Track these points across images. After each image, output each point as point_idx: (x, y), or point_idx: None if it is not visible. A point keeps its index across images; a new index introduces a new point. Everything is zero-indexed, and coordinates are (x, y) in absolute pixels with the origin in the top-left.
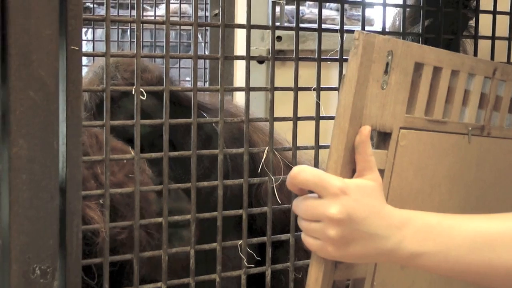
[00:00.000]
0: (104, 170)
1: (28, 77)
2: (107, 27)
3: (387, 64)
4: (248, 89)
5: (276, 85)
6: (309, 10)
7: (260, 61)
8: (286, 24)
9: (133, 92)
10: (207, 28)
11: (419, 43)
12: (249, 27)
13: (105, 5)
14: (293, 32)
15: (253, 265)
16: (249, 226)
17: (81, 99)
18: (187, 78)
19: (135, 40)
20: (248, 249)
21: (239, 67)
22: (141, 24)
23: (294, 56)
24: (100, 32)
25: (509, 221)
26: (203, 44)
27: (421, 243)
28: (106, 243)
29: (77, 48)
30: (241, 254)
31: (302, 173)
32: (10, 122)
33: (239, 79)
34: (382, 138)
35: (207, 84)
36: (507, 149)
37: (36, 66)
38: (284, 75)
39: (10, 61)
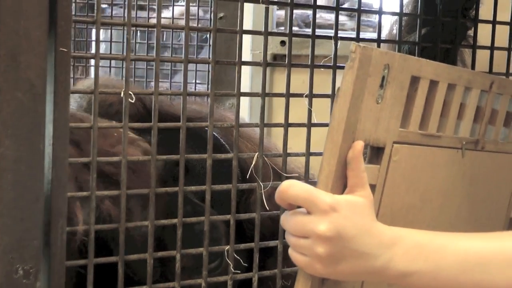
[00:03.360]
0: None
1: (16, 78)
2: (97, 30)
3: (383, 78)
4: (239, 94)
5: (278, 90)
6: (318, 15)
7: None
8: (295, 29)
9: (122, 95)
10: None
11: (415, 51)
12: (241, 32)
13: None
14: (299, 38)
15: (239, 272)
16: (241, 235)
17: (68, 100)
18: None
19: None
20: (236, 255)
21: (243, 71)
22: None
23: (286, 62)
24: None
25: (501, 241)
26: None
27: (411, 262)
28: (91, 245)
29: (66, 50)
30: (228, 260)
31: (292, 188)
32: None
33: (242, 84)
34: (375, 153)
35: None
36: (501, 164)
37: (24, 67)
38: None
39: None
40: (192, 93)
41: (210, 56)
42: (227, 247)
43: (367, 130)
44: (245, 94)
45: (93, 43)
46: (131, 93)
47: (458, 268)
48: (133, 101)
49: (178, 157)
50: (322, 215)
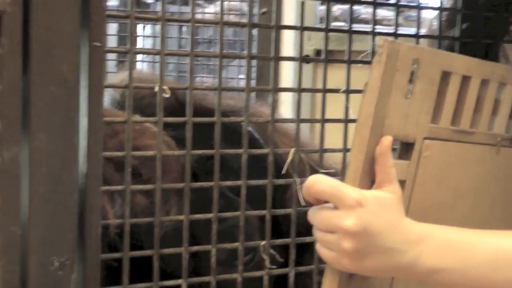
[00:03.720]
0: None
1: (49, 72)
2: (131, 24)
3: (412, 72)
4: (274, 89)
5: (321, 85)
6: (365, 10)
7: (308, 61)
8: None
9: (156, 90)
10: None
11: (455, 47)
12: (276, 27)
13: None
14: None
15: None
16: (277, 231)
17: (102, 94)
18: (240, 76)
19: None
20: (272, 251)
21: (285, 66)
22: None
23: (323, 57)
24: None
25: None
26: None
27: (439, 259)
28: (126, 238)
29: (99, 44)
30: (263, 255)
31: (318, 183)
32: (31, 116)
33: (285, 79)
34: (404, 149)
35: (253, 83)
36: None
37: (57, 61)
38: (331, 75)
39: (32, 56)
40: (227, 88)
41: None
42: (263, 242)
43: (396, 125)
44: (280, 90)
45: (141, 39)
46: (165, 88)
47: (488, 266)
48: (168, 96)
49: (213, 152)
50: (348, 210)
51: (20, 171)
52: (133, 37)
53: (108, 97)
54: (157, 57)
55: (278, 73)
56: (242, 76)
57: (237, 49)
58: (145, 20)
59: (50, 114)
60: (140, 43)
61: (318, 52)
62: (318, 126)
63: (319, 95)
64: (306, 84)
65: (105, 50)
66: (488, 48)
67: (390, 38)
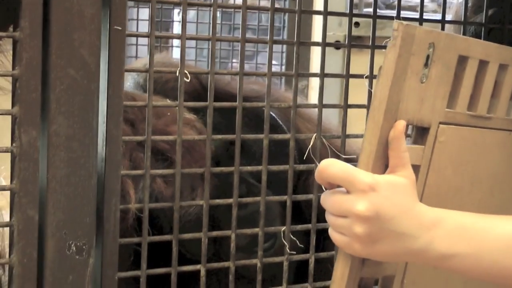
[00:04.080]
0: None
1: (69, 55)
2: (152, 8)
3: (428, 56)
4: (296, 74)
5: (352, 71)
6: None
7: (337, 47)
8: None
9: (177, 74)
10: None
11: (482, 33)
12: (299, 12)
13: None
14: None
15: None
16: (299, 217)
17: (122, 79)
18: (274, 62)
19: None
20: (292, 237)
21: (316, 52)
22: (218, 7)
23: (346, 42)
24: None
25: None
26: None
27: (452, 245)
28: (145, 223)
29: (120, 28)
30: (284, 241)
31: (331, 167)
32: (50, 100)
33: (315, 65)
34: (419, 133)
35: (283, 68)
36: None
37: (77, 45)
38: (361, 61)
39: (52, 40)
40: (249, 72)
41: (284, 37)
42: (283, 228)
43: (411, 110)
44: (303, 75)
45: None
46: (186, 72)
47: (502, 251)
48: (188, 80)
49: (234, 137)
50: (360, 194)
51: (38, 155)
52: (153, 21)
53: (131, 81)
54: (199, 43)
55: (309, 59)
56: (274, 62)
57: (275, 35)
58: (164, 3)
59: (70, 97)
60: (176, 29)
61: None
62: (349, 113)
63: (350, 81)
64: (336, 70)
65: (126, 34)
66: None
67: (397, 21)
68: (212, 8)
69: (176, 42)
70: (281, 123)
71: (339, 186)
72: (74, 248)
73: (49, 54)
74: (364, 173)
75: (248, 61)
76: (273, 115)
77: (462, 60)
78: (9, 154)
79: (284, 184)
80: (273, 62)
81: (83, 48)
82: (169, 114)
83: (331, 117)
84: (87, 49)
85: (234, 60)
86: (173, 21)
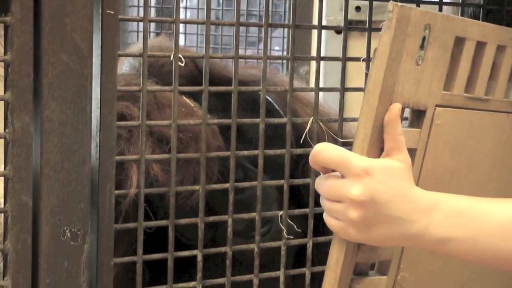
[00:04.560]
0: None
1: (61, 40)
2: None
3: (424, 38)
4: (292, 57)
5: (353, 55)
6: None
7: (338, 31)
8: None
9: (171, 58)
10: None
11: (480, 14)
12: None
13: None
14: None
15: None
16: (297, 202)
17: (116, 63)
18: (276, 48)
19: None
20: (290, 221)
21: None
22: None
23: (342, 26)
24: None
25: None
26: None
27: (449, 229)
28: (140, 208)
29: (112, 12)
30: (282, 225)
31: (324, 151)
32: (43, 85)
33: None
34: (416, 116)
35: (285, 54)
36: None
37: (70, 29)
38: (362, 45)
39: (43, 24)
40: (244, 56)
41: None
42: (280, 212)
43: (406, 92)
44: (299, 58)
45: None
46: (181, 56)
47: (499, 235)
48: (183, 65)
49: (230, 121)
50: (355, 179)
51: (32, 141)
52: (147, 5)
53: (127, 64)
54: (201, 29)
55: (310, 44)
56: (277, 47)
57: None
58: None
59: (62, 83)
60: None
61: (350, 22)
62: (349, 98)
63: (351, 66)
64: (337, 55)
65: (119, 18)
66: None
67: (392, 2)
68: None
69: (181, 29)
70: (277, 107)
71: (334, 171)
72: (69, 234)
73: (41, 39)
74: (358, 157)
75: (250, 47)
76: (270, 99)
77: (459, 42)
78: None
79: (281, 169)
80: (276, 47)
81: (75, 33)
82: (183, 109)
83: (332, 103)
84: (80, 34)
85: (240, 47)
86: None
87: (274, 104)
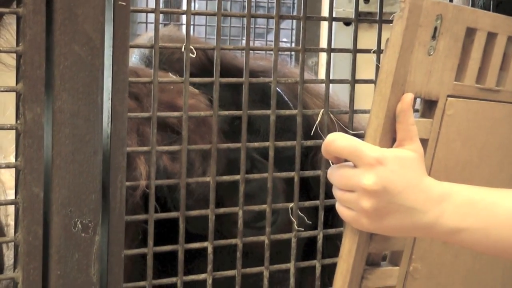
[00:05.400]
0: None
1: (73, 31)
2: None
3: (436, 28)
4: (303, 49)
5: (362, 47)
6: None
7: (347, 23)
8: None
9: (183, 50)
10: None
11: (490, 5)
12: None
13: None
14: None
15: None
16: (307, 194)
17: (127, 55)
18: (284, 39)
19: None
20: (300, 213)
21: (326, 29)
22: None
23: (353, 17)
24: None
25: None
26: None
27: (461, 219)
28: (151, 200)
29: (124, 3)
30: (292, 217)
31: (337, 141)
32: (54, 76)
33: (325, 41)
34: (427, 106)
35: (293, 45)
36: None
37: (81, 20)
38: (371, 37)
39: (55, 15)
40: (255, 47)
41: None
42: (291, 204)
43: (418, 82)
44: (310, 50)
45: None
46: (192, 47)
47: (511, 226)
48: (194, 56)
49: (240, 113)
50: (368, 168)
51: (43, 132)
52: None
53: (137, 52)
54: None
55: (319, 36)
56: (284, 39)
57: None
58: None
59: (74, 74)
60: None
61: (359, 14)
62: (359, 89)
63: (360, 58)
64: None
65: (130, 9)
66: None
67: None
68: None
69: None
70: (287, 99)
71: (346, 161)
72: (79, 226)
73: (53, 30)
74: (371, 147)
75: (258, 39)
76: (279, 91)
77: (470, 32)
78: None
79: (289, 160)
80: (284, 39)
81: (87, 24)
82: (172, 87)
83: (341, 95)
84: (91, 25)
85: (244, 38)
86: None
87: (284, 96)
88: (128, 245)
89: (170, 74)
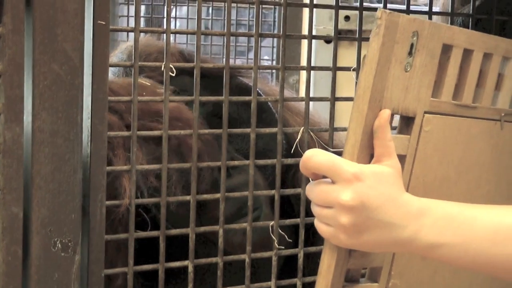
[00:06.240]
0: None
1: (52, 50)
2: (137, 3)
3: (412, 45)
4: (283, 67)
5: (343, 65)
6: None
7: (328, 40)
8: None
9: (163, 68)
10: (275, 7)
11: (469, 24)
12: (285, 4)
13: None
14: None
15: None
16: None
17: (107, 74)
18: (266, 57)
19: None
20: (281, 231)
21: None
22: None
23: (333, 35)
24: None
25: None
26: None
27: (440, 234)
28: (131, 219)
29: (103, 23)
30: (272, 236)
31: (315, 157)
32: (34, 95)
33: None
34: (405, 123)
35: (274, 63)
36: None
37: (61, 40)
38: (352, 55)
39: (35, 35)
40: (235, 66)
41: (275, 31)
42: (271, 223)
43: (395, 98)
44: (289, 68)
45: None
46: (171, 66)
47: (489, 241)
48: (173, 75)
49: (220, 131)
50: (345, 184)
51: (22, 151)
52: (138, 15)
53: (115, 58)
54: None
55: (300, 54)
56: (266, 57)
57: (268, 30)
58: None
59: (53, 93)
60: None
61: (340, 32)
62: (339, 107)
63: (341, 76)
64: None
65: (109, 28)
66: (504, 25)
67: (380, 9)
68: (197, 2)
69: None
70: (271, 105)
71: (324, 177)
72: (59, 245)
73: (33, 50)
74: (349, 163)
75: (240, 57)
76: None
77: (447, 49)
78: None
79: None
80: (265, 57)
81: (66, 43)
82: (144, 94)
83: (323, 113)
84: (71, 44)
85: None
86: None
87: (270, 105)
88: (110, 259)
89: (141, 77)
